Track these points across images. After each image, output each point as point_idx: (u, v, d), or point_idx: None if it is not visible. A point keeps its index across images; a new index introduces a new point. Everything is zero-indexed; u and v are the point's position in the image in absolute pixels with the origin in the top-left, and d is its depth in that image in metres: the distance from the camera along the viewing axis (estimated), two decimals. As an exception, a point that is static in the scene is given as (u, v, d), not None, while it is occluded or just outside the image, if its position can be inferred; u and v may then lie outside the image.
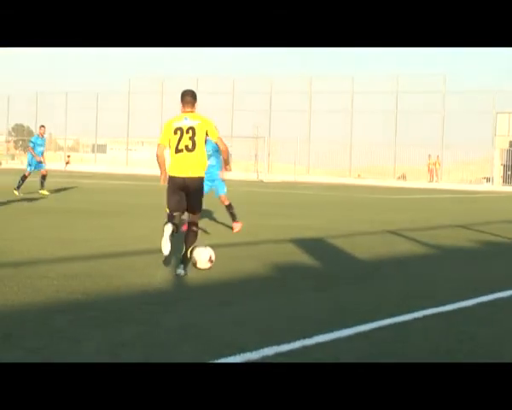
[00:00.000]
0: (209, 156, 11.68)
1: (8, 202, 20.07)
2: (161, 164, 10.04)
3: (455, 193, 42.22)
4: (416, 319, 7.07)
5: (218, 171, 14.09)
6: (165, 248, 9.19)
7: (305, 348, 5.84)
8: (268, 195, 32.24)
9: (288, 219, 18.94)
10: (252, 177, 56.28)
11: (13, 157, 77.20)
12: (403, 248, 13.37)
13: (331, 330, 6.37)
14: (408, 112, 58.08)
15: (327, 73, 74.39)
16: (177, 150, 9.53)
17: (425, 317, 7.20)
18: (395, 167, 59.24)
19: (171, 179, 9.67)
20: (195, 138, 9.53)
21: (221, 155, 11.43)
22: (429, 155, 58.51)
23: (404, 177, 60.23)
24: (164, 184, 9.96)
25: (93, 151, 73.31)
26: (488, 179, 57.32)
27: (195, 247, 9.59)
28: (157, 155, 10.00)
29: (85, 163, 70.17)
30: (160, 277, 8.95)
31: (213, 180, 14.20)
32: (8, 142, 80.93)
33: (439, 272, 10.75)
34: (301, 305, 7.74)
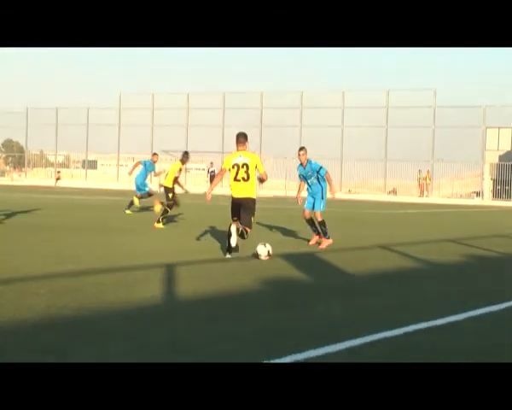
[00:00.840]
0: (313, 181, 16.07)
1: (5, 218, 20.03)
2: (214, 184, 14.64)
3: (445, 207, 42.31)
4: (406, 334, 7.09)
5: (320, 191, 16.28)
6: (233, 240, 12.74)
7: (295, 362, 5.85)
8: (260, 210, 32.17)
9: (279, 234, 18.96)
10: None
11: (3, 173, 77.00)
12: (394, 262, 13.40)
13: (322, 345, 6.38)
14: (398, 127, 58.24)
15: (318, 88, 74.86)
16: (236, 180, 13.18)
17: (415, 331, 7.22)
18: (386, 182, 59.38)
19: (233, 199, 13.44)
20: (249, 172, 13.11)
21: (260, 178, 14.27)
22: (419, 170, 58.68)
23: (394, 191, 60.37)
24: (209, 198, 14.09)
25: (83, 167, 73.22)
26: (478, 194, 57.52)
27: (259, 244, 12.98)
28: (216, 175, 14.25)
29: (76, 179, 70.03)
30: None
31: (315, 198, 16.28)
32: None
33: (429, 286, 10.78)
34: (293, 320, 7.75)
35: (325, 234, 15.81)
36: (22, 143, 75.16)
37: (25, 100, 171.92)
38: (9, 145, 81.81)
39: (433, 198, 55.16)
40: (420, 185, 58.52)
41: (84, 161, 73.18)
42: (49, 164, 76.39)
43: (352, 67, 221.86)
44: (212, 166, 52.97)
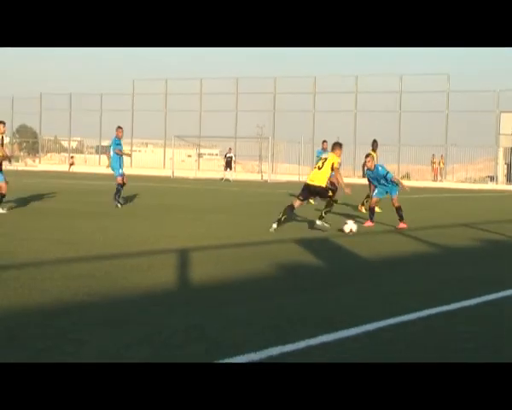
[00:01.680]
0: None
1: (18, 204, 20.07)
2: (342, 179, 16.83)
3: (459, 192, 42.18)
4: (419, 319, 7.06)
5: (390, 184, 17.68)
6: (289, 214, 15.92)
7: (309, 347, 5.83)
8: (272, 195, 32.19)
9: (292, 218, 18.93)
10: (256, 177, 56.24)
11: (17, 159, 77.20)
12: (408, 247, 13.37)
13: (336, 330, 6.36)
14: (412, 112, 58.02)
15: (330, 73, 74.57)
16: (317, 167, 16.05)
17: (429, 316, 7.20)
18: (399, 167, 59.16)
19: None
20: (325, 164, 15.75)
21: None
22: (433, 155, 58.47)
23: (408, 176, 60.15)
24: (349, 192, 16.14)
25: (97, 152, 73.32)
26: (492, 178, 57.28)
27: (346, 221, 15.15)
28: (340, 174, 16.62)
29: (89, 165, 70.14)
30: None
31: (388, 187, 17.74)
32: (12, 144, 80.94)
33: (443, 271, 10.74)
34: (306, 304, 7.72)
35: (402, 218, 17.03)
36: (36, 128, 75.29)
37: (39, 86, 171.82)
38: (24, 131, 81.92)
39: (447, 183, 54.96)
40: (434, 170, 58.33)
41: (97, 147, 73.31)
42: (62, 149, 76.56)
43: (364, 51, 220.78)
44: (230, 152, 52.58)
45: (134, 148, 70.37)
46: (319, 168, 15.78)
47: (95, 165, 69.25)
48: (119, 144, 22.39)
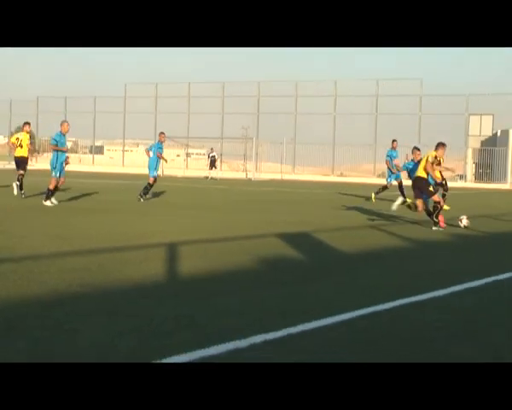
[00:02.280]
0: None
1: (17, 201, 19.97)
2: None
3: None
4: (393, 308, 7.10)
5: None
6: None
7: (290, 336, 5.85)
8: (256, 193, 32.21)
9: (275, 215, 18.95)
10: (241, 176, 56.26)
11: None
12: (384, 241, 13.41)
13: (314, 320, 6.38)
14: (387, 114, 58.17)
15: (311, 78, 74.99)
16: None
17: (402, 306, 7.23)
18: (375, 166, 59.34)
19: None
20: (422, 160, 16.92)
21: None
22: (407, 155, 58.49)
23: (384, 175, 60.24)
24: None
25: (91, 152, 73.13)
26: (461, 177, 57.58)
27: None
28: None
29: (84, 164, 69.91)
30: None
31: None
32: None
33: (416, 264, 10.78)
34: (287, 296, 7.74)
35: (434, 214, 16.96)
36: (33, 129, 74.99)
37: (36, 90, 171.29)
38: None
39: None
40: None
41: (91, 147, 73.09)
42: (32, 149, 76.08)
43: (344, 56, 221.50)
44: (212, 152, 52.83)
45: (126, 148, 70.28)
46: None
47: (88, 164, 69.04)
48: (161, 148, 23.96)
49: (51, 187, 20.09)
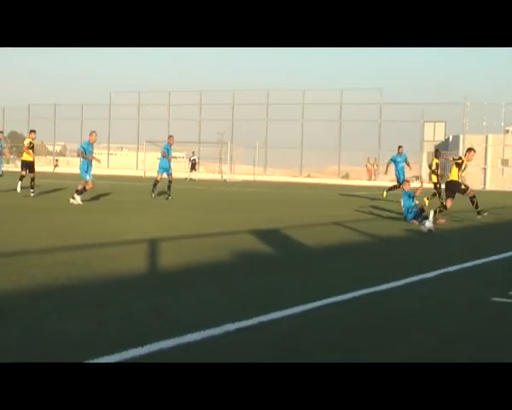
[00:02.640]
0: None
1: (8, 201, 19.82)
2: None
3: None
4: (354, 298, 7.12)
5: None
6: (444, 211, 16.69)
7: (261, 323, 5.85)
8: (231, 193, 32.19)
9: (248, 213, 18.96)
10: (217, 177, 56.23)
11: (8, 161, 76.34)
12: (346, 237, 13.45)
13: (284, 308, 6.38)
14: (350, 121, 58.42)
15: (281, 87, 75.00)
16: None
17: (361, 296, 7.26)
18: (339, 168, 59.57)
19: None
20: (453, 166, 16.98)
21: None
22: (368, 158, 59.00)
23: (347, 176, 60.58)
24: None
25: (78, 155, 72.74)
26: (417, 178, 57.98)
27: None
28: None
29: (72, 166, 69.38)
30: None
31: None
32: (3, 148, 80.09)
33: (371, 257, 10.84)
34: (260, 287, 7.74)
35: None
36: (25, 134, 74.47)
37: (27, 97, 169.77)
38: (14, 137, 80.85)
39: (380, 181, 55.43)
40: (368, 171, 58.85)
41: (71, 151, 72.71)
42: (48, 153, 75.63)
43: (310, 67, 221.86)
44: (193, 155, 52.77)
45: (111, 151, 69.94)
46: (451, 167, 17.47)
47: (76, 166, 68.49)
48: (169, 150, 25.17)
49: (79, 188, 20.63)
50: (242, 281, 8.12)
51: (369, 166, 58.62)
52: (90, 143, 21.95)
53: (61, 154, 77.70)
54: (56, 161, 68.00)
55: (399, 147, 26.89)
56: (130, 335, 5.37)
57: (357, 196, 31.97)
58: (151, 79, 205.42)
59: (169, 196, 24.25)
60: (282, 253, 10.98)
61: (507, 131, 55.44)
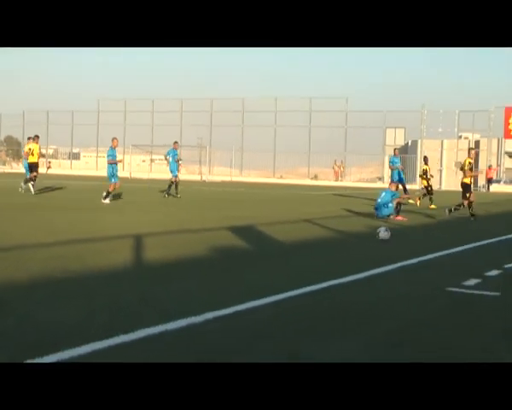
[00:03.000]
0: None
1: (6, 200, 19.64)
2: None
3: (355, 190, 42.68)
4: (323, 289, 7.18)
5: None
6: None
7: (237, 312, 5.89)
8: (210, 192, 32.14)
9: (225, 211, 18.96)
10: (196, 178, 56.12)
11: (4, 163, 75.67)
12: (314, 233, 13.51)
13: (259, 298, 6.42)
14: (319, 126, 58.56)
15: (255, 95, 75.09)
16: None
17: (330, 286, 7.32)
18: (309, 169, 59.71)
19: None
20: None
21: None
22: (335, 160, 59.18)
23: (316, 177, 60.71)
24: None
25: (69, 158, 72.15)
26: (380, 178, 58.41)
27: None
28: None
29: (63, 168, 68.86)
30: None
31: None
32: (0, 151, 79.61)
33: (339, 252, 10.91)
34: (236, 279, 7.77)
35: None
36: (20, 138, 73.79)
37: (22, 104, 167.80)
38: (10, 141, 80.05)
39: (346, 182, 55.65)
40: (335, 172, 59.06)
41: (69, 153, 72.09)
42: (41, 155, 74.99)
43: (283, 77, 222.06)
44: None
45: (99, 154, 69.49)
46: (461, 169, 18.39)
47: (67, 168, 68.01)
48: (176, 154, 25.96)
49: (110, 190, 21.25)
50: (220, 274, 8.14)
51: (336, 168, 58.78)
52: (114, 149, 22.48)
53: (54, 157, 76.90)
54: (49, 163, 67.43)
55: (395, 149, 26.84)
56: (120, 322, 5.38)
57: (341, 195, 32.06)
58: (136, 88, 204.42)
59: (167, 194, 25.10)
60: (257, 248, 11.01)
61: (460, 137, 55.88)
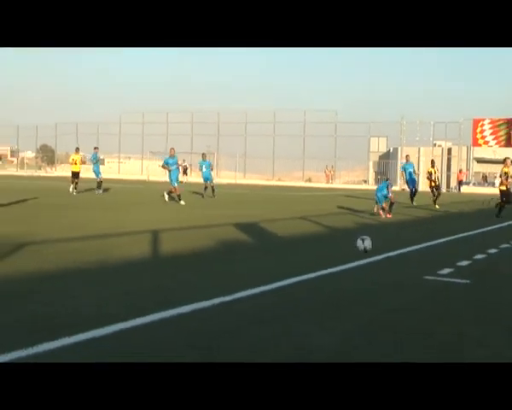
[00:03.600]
0: None
1: (36, 199, 19.51)
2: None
3: (344, 191, 42.55)
4: (314, 278, 7.04)
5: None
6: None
7: (239, 299, 5.75)
8: (217, 194, 31.98)
9: (231, 209, 18.83)
10: (206, 180, 56.15)
11: (40, 168, 75.91)
12: (309, 229, 13.38)
13: (253, 287, 6.28)
14: (312, 136, 58.55)
15: (257, 108, 74.64)
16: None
17: (321, 275, 7.17)
18: (303, 173, 59.67)
19: None
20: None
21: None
22: (326, 165, 59.20)
23: (310, 180, 60.60)
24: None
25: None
26: (365, 181, 58.44)
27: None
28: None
29: (89, 173, 68.93)
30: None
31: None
32: (36, 157, 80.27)
33: (330, 246, 10.76)
34: (239, 269, 7.63)
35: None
36: (53, 146, 74.08)
37: (54, 116, 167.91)
38: (44, 149, 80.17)
39: (336, 184, 55.60)
40: (326, 175, 59.04)
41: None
42: (82, 163, 75.12)
43: (281, 93, 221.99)
44: (184, 162, 52.77)
45: (121, 160, 69.60)
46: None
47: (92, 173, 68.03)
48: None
49: (172, 191, 21.73)
50: (224, 265, 8.00)
51: (327, 172, 58.84)
52: (170, 157, 22.74)
53: (82, 162, 77.24)
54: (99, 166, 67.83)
55: (407, 156, 26.16)
56: (131, 308, 5.23)
57: (345, 196, 31.88)
58: (152, 102, 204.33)
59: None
60: (258, 241, 10.87)
61: (434, 145, 55.77)
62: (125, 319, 4.78)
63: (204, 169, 26.81)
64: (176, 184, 21.75)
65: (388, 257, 9.02)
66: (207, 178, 26.65)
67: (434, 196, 22.74)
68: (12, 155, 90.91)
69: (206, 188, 26.36)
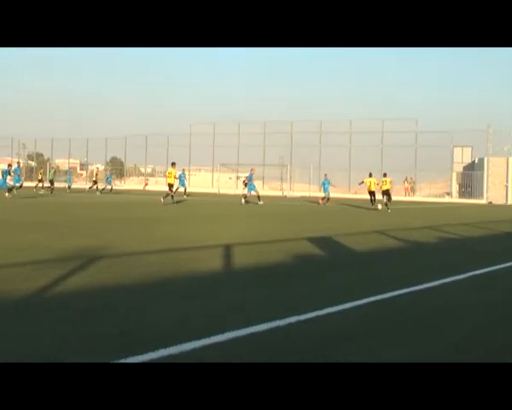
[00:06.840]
0: None
1: (109, 212, 20.10)
2: None
3: (425, 204, 41.77)
4: (398, 295, 7.00)
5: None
6: None
7: (317, 316, 5.81)
8: (290, 207, 32.12)
9: (305, 223, 18.88)
10: (278, 193, 56.26)
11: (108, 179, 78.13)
12: (388, 243, 13.26)
13: (339, 304, 6.33)
14: (390, 146, 57.75)
15: (334, 118, 74.26)
16: None
17: (405, 294, 7.13)
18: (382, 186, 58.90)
19: None
20: None
21: None
22: (406, 177, 58.21)
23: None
24: None
25: (165, 176, 73.83)
26: (448, 194, 57.02)
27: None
28: None
29: (159, 185, 70.49)
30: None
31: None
32: (106, 170, 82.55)
33: (410, 259, 10.64)
34: (316, 284, 7.69)
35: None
36: (122, 159, 76.04)
37: (124, 130, 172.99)
38: (114, 161, 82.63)
39: (416, 197, 54.61)
40: (405, 188, 58.09)
41: (164, 172, 73.72)
42: (140, 174, 76.81)
43: (356, 102, 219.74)
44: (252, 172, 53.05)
45: (191, 172, 70.78)
46: None
47: (163, 185, 69.54)
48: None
49: (248, 195, 33.04)
50: (299, 280, 8.07)
51: (407, 184, 57.84)
52: (252, 174, 34.02)
53: (151, 175, 78.81)
54: (147, 180, 69.12)
55: None
56: (212, 323, 5.40)
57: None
58: (224, 112, 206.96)
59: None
60: (332, 255, 10.88)
61: (526, 155, 53.89)
62: (202, 336, 4.94)
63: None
64: (252, 191, 32.66)
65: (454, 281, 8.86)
66: (251, 189, 33.96)
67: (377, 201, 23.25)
68: (81, 168, 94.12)
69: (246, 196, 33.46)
